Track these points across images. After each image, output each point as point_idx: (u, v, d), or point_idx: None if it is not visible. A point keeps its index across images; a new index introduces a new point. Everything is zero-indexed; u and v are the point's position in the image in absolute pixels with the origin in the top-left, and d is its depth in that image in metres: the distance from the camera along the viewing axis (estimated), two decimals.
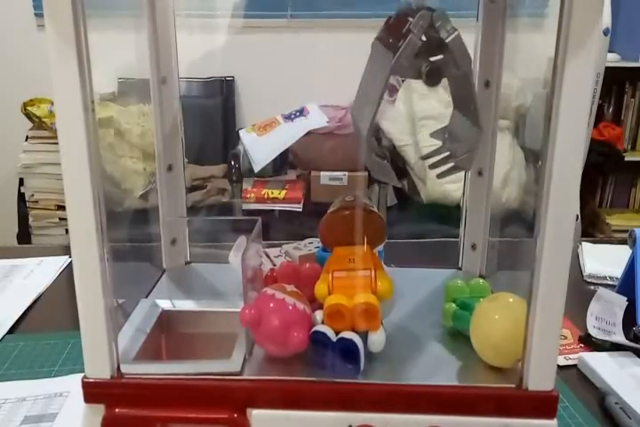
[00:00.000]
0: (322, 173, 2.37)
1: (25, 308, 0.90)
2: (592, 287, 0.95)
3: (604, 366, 0.74)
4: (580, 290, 0.95)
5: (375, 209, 0.60)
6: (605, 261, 1.03)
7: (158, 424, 0.52)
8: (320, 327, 0.52)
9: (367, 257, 0.55)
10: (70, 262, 0.50)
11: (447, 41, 0.49)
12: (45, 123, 2.36)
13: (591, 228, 2.84)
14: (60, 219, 2.43)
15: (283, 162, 2.43)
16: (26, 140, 2.44)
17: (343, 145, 2.29)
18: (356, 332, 0.52)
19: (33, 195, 2.45)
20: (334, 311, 0.51)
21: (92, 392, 0.52)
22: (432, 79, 0.50)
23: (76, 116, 0.46)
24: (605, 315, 0.83)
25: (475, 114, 0.54)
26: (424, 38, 0.49)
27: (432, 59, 0.50)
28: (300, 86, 2.51)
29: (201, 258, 0.75)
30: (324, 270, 0.55)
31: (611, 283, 0.96)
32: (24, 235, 2.50)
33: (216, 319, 0.62)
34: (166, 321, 0.62)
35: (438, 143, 0.59)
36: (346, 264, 0.55)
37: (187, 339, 0.63)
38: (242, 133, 2.39)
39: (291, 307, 0.53)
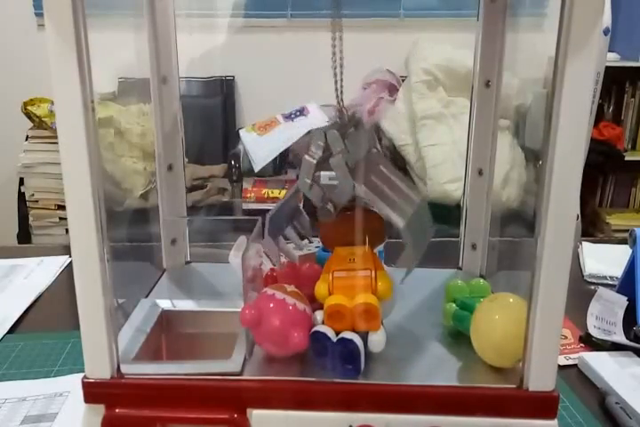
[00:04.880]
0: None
1: (25, 308, 0.90)
2: (592, 287, 0.95)
3: (604, 366, 0.74)
4: (580, 290, 0.95)
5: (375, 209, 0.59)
6: (605, 260, 1.03)
7: (158, 424, 0.52)
8: (320, 328, 0.52)
9: (367, 257, 0.55)
10: (70, 262, 0.50)
11: (330, 161, 0.51)
12: (45, 122, 2.36)
13: (591, 227, 2.84)
14: (60, 218, 2.43)
15: (283, 162, 2.43)
16: (26, 139, 2.44)
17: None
18: (357, 332, 0.51)
19: (33, 194, 2.45)
20: (334, 311, 0.51)
21: (92, 392, 0.52)
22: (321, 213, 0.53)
23: (76, 115, 0.46)
24: (606, 315, 0.83)
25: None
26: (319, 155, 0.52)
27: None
28: (300, 86, 2.51)
29: (201, 258, 0.75)
30: (324, 270, 0.55)
31: (611, 283, 0.96)
32: (24, 235, 2.50)
33: (216, 319, 0.62)
34: (166, 321, 0.62)
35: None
36: (346, 264, 0.55)
37: (187, 339, 0.63)
38: (242, 133, 2.38)
39: (291, 307, 0.52)
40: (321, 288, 0.53)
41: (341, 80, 0.53)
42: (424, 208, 0.58)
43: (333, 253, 0.57)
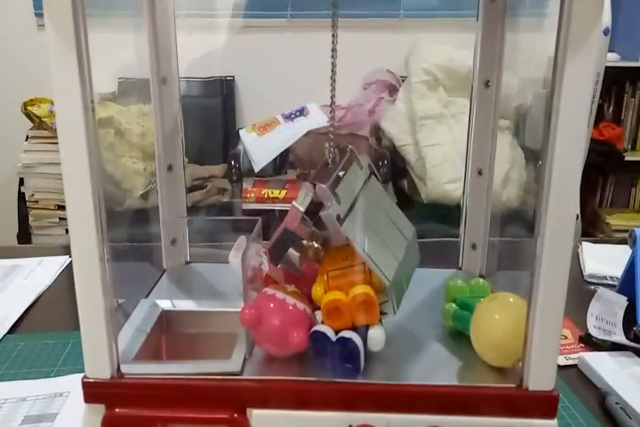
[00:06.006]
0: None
1: (25, 308, 0.90)
2: (592, 287, 0.95)
3: (604, 366, 0.74)
4: (580, 290, 0.95)
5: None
6: (605, 260, 1.03)
7: (158, 424, 0.52)
8: (319, 327, 0.52)
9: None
10: (70, 262, 0.50)
11: (320, 214, 0.51)
12: (46, 123, 2.36)
13: (591, 228, 2.84)
14: (60, 219, 2.43)
15: (283, 162, 2.43)
16: (26, 139, 2.44)
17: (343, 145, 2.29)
18: (356, 329, 0.51)
19: (33, 195, 2.45)
20: (332, 308, 0.51)
21: (92, 392, 0.52)
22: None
23: (76, 116, 0.46)
24: (606, 315, 0.83)
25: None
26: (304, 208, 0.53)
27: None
28: (300, 86, 2.52)
29: (201, 258, 0.75)
30: (319, 273, 0.55)
31: (611, 283, 0.96)
32: (24, 235, 2.50)
33: (216, 319, 0.62)
34: (166, 321, 0.62)
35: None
36: (340, 263, 0.54)
37: (187, 339, 0.63)
38: (242, 133, 2.39)
39: (291, 307, 0.53)
40: (317, 291, 0.53)
41: (334, 89, 0.54)
42: (413, 241, 0.60)
43: (327, 256, 0.56)
